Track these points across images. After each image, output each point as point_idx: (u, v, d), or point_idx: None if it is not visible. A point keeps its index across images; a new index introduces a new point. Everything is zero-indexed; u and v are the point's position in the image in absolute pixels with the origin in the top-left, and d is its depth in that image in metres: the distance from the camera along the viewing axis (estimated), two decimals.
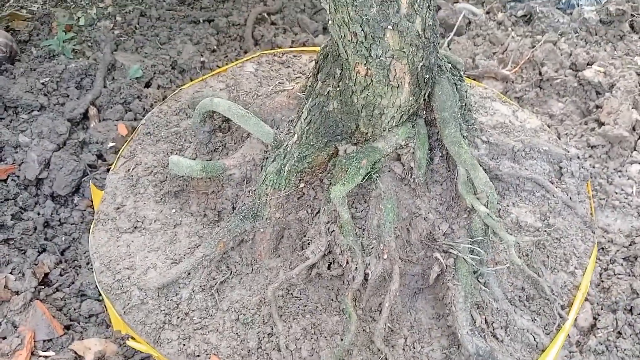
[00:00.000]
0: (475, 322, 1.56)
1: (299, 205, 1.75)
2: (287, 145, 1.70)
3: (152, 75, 2.73)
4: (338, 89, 1.57)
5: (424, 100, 1.63)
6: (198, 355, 1.55)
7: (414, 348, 1.60)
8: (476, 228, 1.64)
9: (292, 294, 1.69)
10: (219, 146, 1.95)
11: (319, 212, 1.72)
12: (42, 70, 2.66)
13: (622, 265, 2.20)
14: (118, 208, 1.83)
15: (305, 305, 1.67)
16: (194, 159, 1.85)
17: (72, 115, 2.52)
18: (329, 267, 1.68)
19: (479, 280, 1.63)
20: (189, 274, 1.69)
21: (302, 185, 1.72)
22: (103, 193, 1.86)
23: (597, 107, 2.70)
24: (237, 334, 1.61)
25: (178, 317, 1.62)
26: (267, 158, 1.76)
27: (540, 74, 2.85)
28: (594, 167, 2.49)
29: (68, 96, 2.61)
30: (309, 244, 1.70)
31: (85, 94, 2.61)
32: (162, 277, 1.67)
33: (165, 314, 1.62)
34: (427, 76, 1.54)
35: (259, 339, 1.60)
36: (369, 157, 1.62)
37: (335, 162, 1.68)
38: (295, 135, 1.68)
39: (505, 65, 2.87)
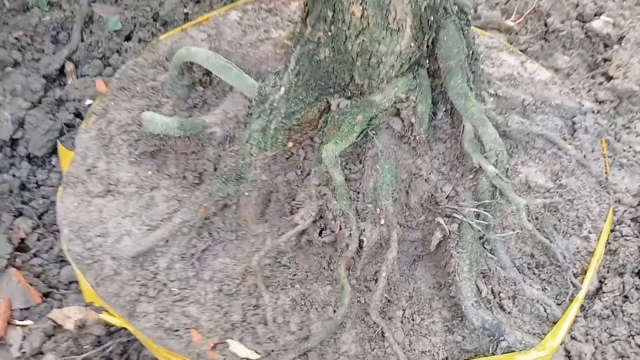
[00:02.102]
0: (480, 293, 1.49)
1: (288, 166, 1.65)
2: (273, 99, 1.58)
3: (133, 28, 2.62)
4: (330, 34, 1.44)
5: (427, 47, 1.50)
6: (177, 330, 1.47)
7: (413, 320, 1.53)
8: (483, 190, 1.54)
9: (280, 262, 1.61)
10: (199, 102, 1.83)
11: (309, 173, 1.63)
12: (15, 23, 2.56)
13: (629, 226, 2.13)
14: (89, 170, 1.72)
15: (295, 275, 1.59)
16: (172, 116, 1.75)
17: (47, 71, 2.44)
18: (320, 234, 1.59)
19: (485, 247, 1.54)
20: (167, 241, 1.60)
21: (290, 144, 1.62)
22: (73, 154, 1.75)
23: (605, 60, 2.64)
24: (219, 306, 1.53)
25: (155, 289, 1.54)
26: (251, 114, 1.65)
27: (545, 25, 2.79)
28: None
29: (43, 51, 2.53)
30: (298, 208, 1.61)
31: (61, 49, 2.52)
32: (138, 245, 1.58)
33: (141, 285, 1.54)
34: (432, 19, 1.41)
35: (243, 311, 1.52)
36: (364, 112, 1.51)
37: (327, 119, 1.57)
38: (282, 89, 1.56)
39: (509, 16, 2.80)
